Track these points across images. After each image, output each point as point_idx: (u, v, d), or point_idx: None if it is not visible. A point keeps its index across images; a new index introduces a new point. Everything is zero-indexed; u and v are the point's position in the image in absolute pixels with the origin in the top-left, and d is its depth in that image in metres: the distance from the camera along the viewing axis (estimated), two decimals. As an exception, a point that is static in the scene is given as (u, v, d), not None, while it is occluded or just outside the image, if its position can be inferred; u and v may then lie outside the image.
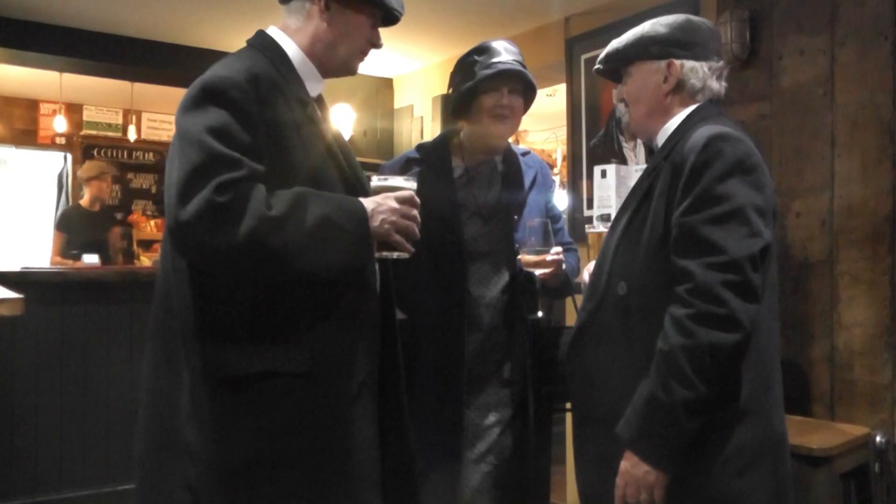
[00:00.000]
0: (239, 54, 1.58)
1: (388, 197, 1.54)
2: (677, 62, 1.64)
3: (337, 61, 1.65)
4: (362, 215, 1.49)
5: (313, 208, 1.44)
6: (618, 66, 1.73)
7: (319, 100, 1.70)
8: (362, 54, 1.69)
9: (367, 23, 1.65)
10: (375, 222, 1.50)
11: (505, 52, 2.08)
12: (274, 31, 1.64)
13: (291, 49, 1.61)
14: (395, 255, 1.57)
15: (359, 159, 1.82)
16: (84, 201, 5.60)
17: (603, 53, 1.76)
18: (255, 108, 1.45)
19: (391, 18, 1.70)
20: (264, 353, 1.47)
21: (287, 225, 1.40)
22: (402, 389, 1.71)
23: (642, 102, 1.69)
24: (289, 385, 1.48)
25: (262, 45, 1.61)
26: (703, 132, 1.52)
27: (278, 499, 1.49)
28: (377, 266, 1.66)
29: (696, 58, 1.64)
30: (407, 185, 1.60)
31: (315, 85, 1.65)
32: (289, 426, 1.49)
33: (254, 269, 1.43)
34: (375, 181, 1.60)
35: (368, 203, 1.52)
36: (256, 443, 1.47)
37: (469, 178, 2.16)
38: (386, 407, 1.68)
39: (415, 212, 1.57)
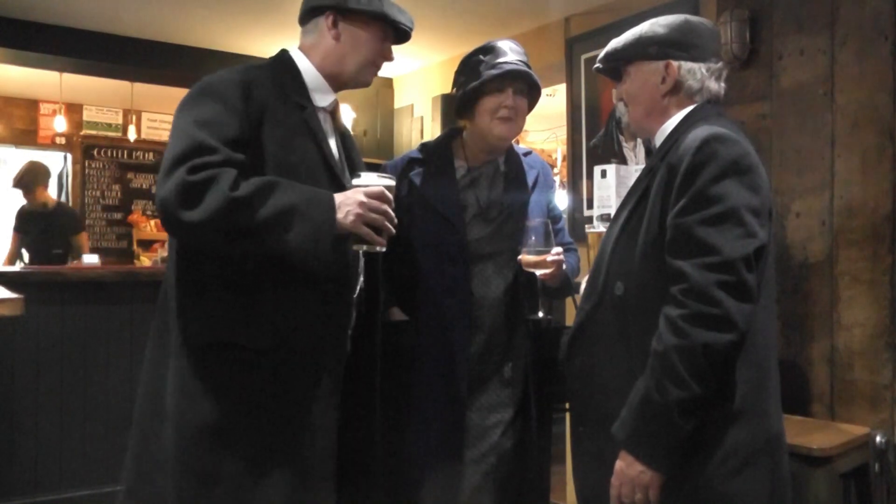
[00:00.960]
0: (244, 65, 1.72)
1: (358, 191, 1.62)
2: (675, 63, 1.64)
3: (347, 74, 1.77)
4: (329, 205, 1.58)
5: (280, 194, 1.53)
6: (617, 65, 1.73)
7: (334, 111, 1.82)
8: (374, 67, 1.81)
9: (376, 37, 1.76)
10: (341, 213, 1.58)
11: (511, 53, 2.08)
12: (292, 50, 1.78)
13: (304, 64, 1.75)
14: (368, 248, 1.64)
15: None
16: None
17: (602, 53, 1.76)
18: (243, 106, 1.58)
19: (402, 34, 1.81)
20: (225, 326, 1.59)
21: (249, 206, 1.49)
22: (375, 387, 1.80)
23: (640, 102, 1.69)
24: (250, 359, 1.59)
25: (274, 58, 1.77)
26: (698, 133, 1.52)
27: (230, 465, 1.58)
28: (362, 261, 1.76)
29: (694, 59, 1.64)
30: (380, 181, 1.65)
31: (324, 96, 1.76)
32: (246, 397, 1.60)
33: (221, 244, 1.54)
34: (353, 181, 1.68)
35: (338, 196, 1.60)
36: (215, 408, 1.58)
37: (472, 178, 2.16)
38: (355, 401, 1.77)
39: (385, 206, 1.63)
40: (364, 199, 1.60)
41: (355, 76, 1.78)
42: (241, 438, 1.59)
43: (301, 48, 1.78)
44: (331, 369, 1.70)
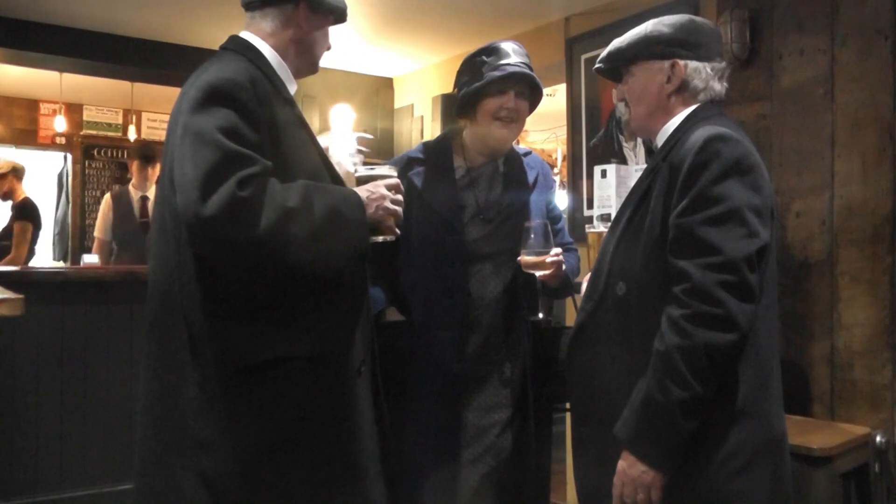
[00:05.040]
0: (228, 59, 1.61)
1: (379, 185, 1.64)
2: (681, 62, 1.64)
3: (308, 63, 1.75)
4: (360, 203, 1.59)
5: (320, 199, 1.51)
6: (620, 65, 1.72)
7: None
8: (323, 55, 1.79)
9: (328, 28, 1.75)
10: (371, 209, 1.60)
11: (514, 54, 2.07)
12: (248, 36, 1.68)
13: (268, 52, 1.67)
14: (381, 238, 1.67)
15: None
16: None
17: (604, 52, 1.75)
18: (257, 108, 1.51)
19: (341, 19, 1.79)
20: (275, 341, 1.53)
21: (304, 215, 1.47)
22: (377, 374, 1.78)
23: (644, 102, 1.69)
24: (299, 369, 1.55)
25: (243, 49, 1.65)
26: (701, 133, 1.52)
27: (296, 479, 1.54)
28: None
29: (700, 58, 1.64)
30: (392, 173, 1.71)
31: (291, 86, 1.72)
32: (301, 408, 1.55)
33: (275, 259, 1.47)
34: (363, 171, 1.70)
35: (362, 192, 1.61)
36: (272, 427, 1.53)
37: (471, 178, 2.15)
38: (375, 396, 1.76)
39: (400, 197, 1.68)
40: (387, 192, 1.64)
41: (314, 65, 1.76)
42: (304, 449, 1.55)
43: (257, 34, 1.68)
44: (368, 364, 1.69)
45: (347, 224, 1.55)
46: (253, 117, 1.50)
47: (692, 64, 1.64)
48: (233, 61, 1.59)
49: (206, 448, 1.51)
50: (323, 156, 1.71)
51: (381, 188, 1.64)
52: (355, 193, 1.60)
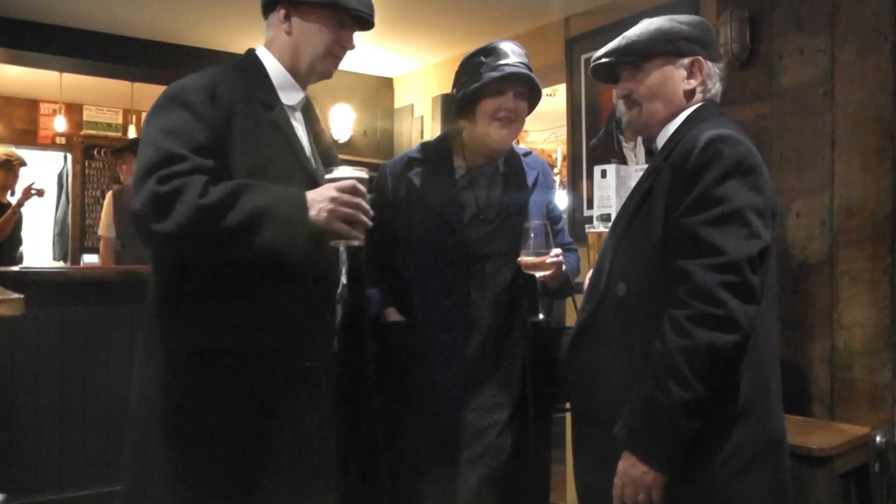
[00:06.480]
0: (210, 68, 1.70)
1: (329, 187, 1.60)
2: (702, 60, 1.63)
3: (304, 67, 1.74)
4: (301, 204, 1.56)
5: (250, 197, 1.52)
6: (632, 60, 1.67)
7: (307, 108, 1.80)
8: (333, 57, 1.77)
9: (329, 27, 1.72)
10: (314, 211, 1.56)
11: (512, 55, 2.06)
12: (259, 49, 1.76)
13: (271, 63, 1.73)
14: (345, 243, 1.63)
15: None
16: None
17: (611, 47, 1.70)
18: (209, 111, 1.57)
19: (362, 21, 1.77)
20: (211, 333, 1.59)
21: (219, 212, 1.50)
22: (369, 386, 1.80)
23: (661, 99, 1.65)
24: (235, 363, 1.59)
25: (241, 60, 1.75)
26: (703, 133, 1.51)
27: (222, 470, 1.58)
28: (344, 257, 1.75)
29: (713, 59, 1.65)
30: (353, 174, 1.63)
31: (292, 94, 1.74)
32: (234, 401, 1.59)
33: (195, 252, 1.55)
34: (326, 175, 1.66)
35: (310, 193, 1.59)
36: (204, 415, 1.58)
37: (471, 178, 2.15)
38: (351, 401, 1.78)
39: (358, 199, 1.60)
40: (335, 194, 1.57)
41: (314, 68, 1.75)
42: (234, 443, 1.58)
43: (264, 44, 1.77)
44: (320, 368, 1.69)
45: (278, 224, 1.53)
46: (202, 118, 1.57)
47: (708, 63, 1.64)
48: (210, 70, 1.68)
49: (158, 426, 1.60)
50: (300, 159, 1.71)
51: (329, 190, 1.57)
52: (300, 195, 1.57)
